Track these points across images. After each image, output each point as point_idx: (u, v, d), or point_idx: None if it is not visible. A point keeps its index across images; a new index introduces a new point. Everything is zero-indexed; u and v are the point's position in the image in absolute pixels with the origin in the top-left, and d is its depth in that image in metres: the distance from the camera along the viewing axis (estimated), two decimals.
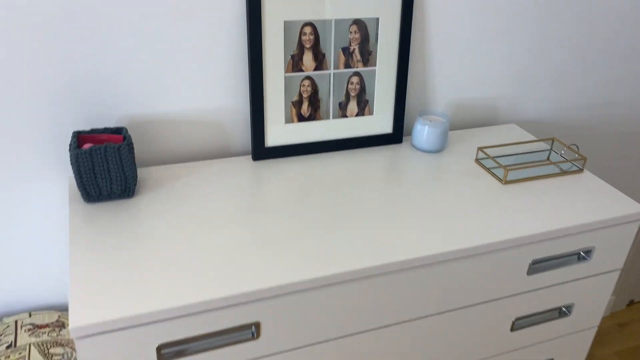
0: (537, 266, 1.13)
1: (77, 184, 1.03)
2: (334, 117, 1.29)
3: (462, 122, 1.50)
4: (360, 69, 1.26)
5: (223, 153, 1.28)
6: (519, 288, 1.14)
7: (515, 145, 1.37)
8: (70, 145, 1.03)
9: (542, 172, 1.27)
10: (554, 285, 1.18)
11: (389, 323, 1.05)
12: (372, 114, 1.32)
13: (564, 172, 1.27)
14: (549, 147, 1.38)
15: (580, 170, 1.29)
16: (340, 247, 0.98)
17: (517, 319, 1.19)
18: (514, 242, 1.05)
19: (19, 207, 1.15)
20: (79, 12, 1.03)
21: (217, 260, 0.94)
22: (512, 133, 1.46)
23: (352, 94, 1.28)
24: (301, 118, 1.26)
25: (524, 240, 1.06)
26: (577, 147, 1.33)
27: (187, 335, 0.89)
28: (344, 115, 1.29)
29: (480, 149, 1.29)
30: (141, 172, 1.17)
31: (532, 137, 1.43)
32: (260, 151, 1.24)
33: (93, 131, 1.08)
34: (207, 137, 1.25)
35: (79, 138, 1.07)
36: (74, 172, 1.02)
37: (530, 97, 1.54)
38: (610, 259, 1.21)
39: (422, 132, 1.31)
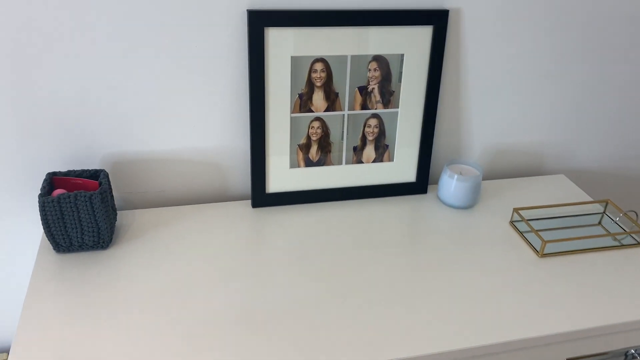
0: None
1: (45, 232, 0.92)
2: (347, 163, 1.13)
3: (501, 171, 1.31)
4: (380, 110, 1.10)
5: (220, 197, 1.15)
6: None
7: (558, 207, 1.17)
8: (42, 189, 0.92)
9: (590, 245, 1.07)
10: None
11: None
12: (392, 160, 1.15)
13: (618, 246, 1.06)
14: (601, 210, 1.17)
15: (638, 245, 1.07)
16: (333, 335, 0.83)
17: None
18: (538, 340, 0.87)
19: None
20: (64, 44, 0.92)
21: (185, 340, 0.80)
22: (559, 187, 1.25)
23: (370, 137, 1.12)
24: (309, 163, 1.11)
25: (553, 338, 0.87)
26: (637, 215, 1.11)
27: None
28: (359, 161, 1.14)
29: (516, 210, 1.11)
30: (126, 216, 1.06)
31: (582, 193, 1.23)
32: (261, 198, 1.11)
33: (69, 173, 0.97)
34: (203, 178, 1.12)
35: (53, 180, 0.97)
36: (42, 220, 0.91)
37: (582, 144, 1.32)
38: None
39: (450, 185, 1.14)
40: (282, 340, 0.81)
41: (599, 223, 1.14)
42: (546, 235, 1.07)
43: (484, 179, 1.30)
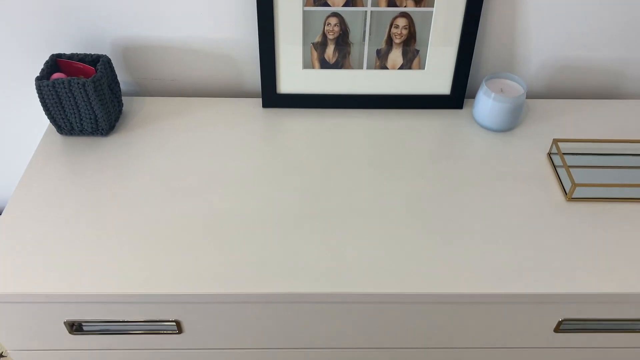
0: (569, 325, 0.83)
1: (46, 114, 0.94)
2: (368, 68, 1.01)
3: (566, 90, 1.11)
4: (411, 8, 0.95)
5: (235, 92, 1.10)
6: (542, 343, 0.87)
7: (611, 143, 0.98)
8: (41, 71, 0.92)
9: (634, 194, 0.89)
10: (597, 347, 0.88)
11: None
12: (423, 67, 1.01)
13: None
14: None
15: None
16: (325, 256, 0.79)
17: None
18: (534, 298, 0.77)
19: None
20: None
21: (168, 241, 0.81)
22: (631, 116, 1.04)
23: (397, 40, 0.98)
24: (325, 64, 1.00)
25: (544, 298, 0.77)
26: None
27: (105, 318, 0.80)
28: (383, 67, 1.01)
29: (556, 142, 0.94)
30: (136, 102, 1.05)
31: None
32: (271, 98, 1.03)
33: (72, 56, 0.96)
34: (216, 71, 1.07)
35: (58, 62, 0.96)
36: (41, 102, 0.92)
37: None
38: None
39: (486, 104, 0.98)
40: (286, 238, 0.79)
41: None
42: (582, 177, 0.91)
43: (540, 97, 1.11)
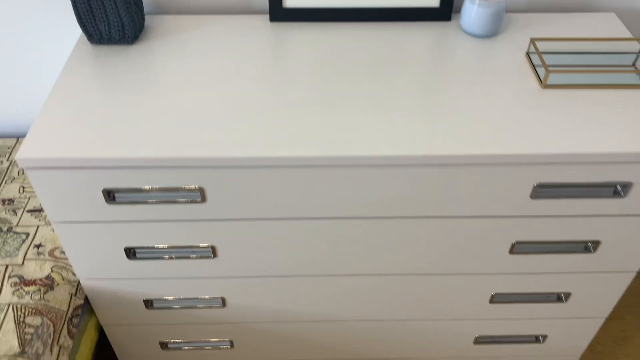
0: (543, 190, 0.95)
1: (78, 23, 1.05)
2: None
3: (543, 4, 1.22)
4: None
5: (244, 9, 1.21)
6: (520, 211, 0.99)
7: (584, 42, 1.09)
8: None
9: (605, 80, 1.01)
10: (573, 216, 1.00)
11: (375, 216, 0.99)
12: None
13: (633, 85, 1.00)
14: (637, 50, 1.08)
15: None
16: (331, 130, 0.91)
17: (518, 242, 1.05)
18: (509, 158, 0.88)
19: (40, 39, 1.23)
20: None
21: (190, 119, 0.93)
22: (603, 25, 1.16)
23: None
24: None
25: (522, 158, 0.88)
26: None
27: (138, 186, 0.92)
28: None
29: (533, 40, 1.06)
30: (156, 19, 1.16)
31: (626, 33, 1.13)
32: (278, 12, 1.15)
33: None
34: None
35: None
36: (73, 10, 1.04)
37: None
38: None
39: (471, 11, 1.10)
40: (295, 116, 0.91)
41: (633, 64, 1.06)
42: (557, 68, 1.03)
43: (522, 11, 1.23)
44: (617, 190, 0.96)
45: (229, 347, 1.29)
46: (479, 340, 1.29)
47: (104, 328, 1.23)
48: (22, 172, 1.30)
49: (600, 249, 1.06)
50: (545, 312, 1.22)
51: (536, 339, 1.30)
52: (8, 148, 1.37)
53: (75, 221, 0.98)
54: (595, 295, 1.17)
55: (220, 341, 1.27)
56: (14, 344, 1.00)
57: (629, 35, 1.13)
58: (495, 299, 1.17)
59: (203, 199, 0.94)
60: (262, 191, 0.93)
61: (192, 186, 0.92)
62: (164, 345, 1.28)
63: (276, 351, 1.31)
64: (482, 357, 1.35)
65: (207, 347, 1.28)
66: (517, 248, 1.06)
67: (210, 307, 1.17)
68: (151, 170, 0.89)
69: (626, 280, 1.14)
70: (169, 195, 0.94)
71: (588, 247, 1.06)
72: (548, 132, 0.91)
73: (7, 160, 1.34)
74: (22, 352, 0.99)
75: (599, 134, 0.91)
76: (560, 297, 1.18)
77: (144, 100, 0.96)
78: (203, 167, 0.89)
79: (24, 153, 0.87)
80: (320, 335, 1.26)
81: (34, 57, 1.26)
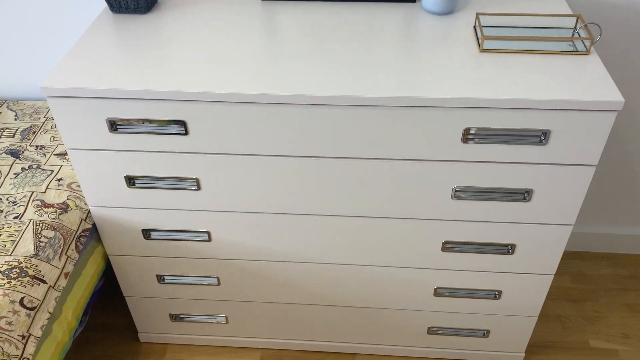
0: (472, 135, 1.10)
1: None
2: None
3: None
4: None
5: None
6: (455, 155, 1.14)
7: (527, 18, 1.25)
8: None
9: (537, 48, 1.16)
10: (503, 162, 1.14)
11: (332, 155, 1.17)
12: None
13: (562, 52, 1.15)
14: (572, 25, 1.23)
15: (586, 53, 1.14)
16: (304, 76, 1.11)
17: (458, 189, 1.19)
18: (442, 102, 1.05)
19: (72, 11, 1.48)
20: None
21: (184, 65, 1.14)
22: (550, 7, 1.31)
23: None
24: None
25: (453, 102, 1.05)
26: (600, 27, 1.16)
27: (135, 117, 1.14)
28: None
29: (478, 15, 1.22)
30: None
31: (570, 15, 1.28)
32: None
33: None
34: None
35: None
36: None
37: None
38: (579, 150, 1.11)
39: None
40: (283, 69, 1.11)
41: (571, 37, 1.21)
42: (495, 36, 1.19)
43: None
44: (541, 138, 1.10)
45: (216, 283, 1.47)
46: (438, 292, 1.43)
47: (110, 258, 1.44)
48: (54, 126, 1.55)
49: (534, 198, 1.20)
50: (496, 266, 1.34)
51: (493, 296, 1.42)
52: (46, 108, 1.62)
53: (85, 148, 1.19)
54: (539, 249, 1.30)
55: (208, 277, 1.45)
56: (30, 248, 1.21)
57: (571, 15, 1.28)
58: (446, 246, 1.31)
59: (186, 132, 1.15)
60: (239, 128, 1.13)
61: (178, 119, 1.13)
62: (160, 279, 1.47)
63: (254, 290, 1.48)
64: (444, 312, 1.48)
65: (196, 283, 1.47)
66: (458, 194, 1.20)
67: (197, 240, 1.36)
68: (145, 103, 1.11)
69: (565, 234, 1.26)
70: (159, 128, 1.14)
71: (525, 196, 1.20)
72: (478, 83, 1.07)
73: (44, 117, 1.59)
74: (36, 255, 1.21)
75: (522, 86, 1.06)
76: (508, 250, 1.31)
77: (148, 52, 1.18)
78: (187, 100, 1.10)
79: (47, 83, 1.10)
80: (291, 277, 1.43)
81: (66, 27, 1.52)
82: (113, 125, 1.15)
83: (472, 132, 1.10)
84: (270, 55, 1.17)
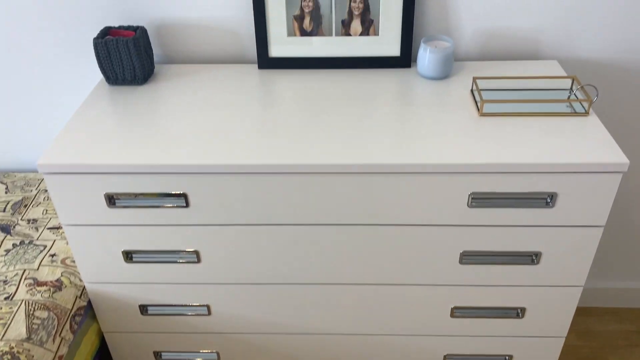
0: (478, 200, 1.09)
1: (99, 66, 1.30)
2: (336, 35, 1.34)
3: (494, 54, 1.41)
4: None
5: (239, 60, 1.44)
6: (462, 220, 1.12)
7: (522, 80, 1.27)
8: (97, 35, 1.29)
9: (535, 110, 1.17)
10: (510, 225, 1.13)
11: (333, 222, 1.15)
12: (378, 34, 1.34)
13: (561, 113, 1.16)
14: (569, 87, 1.25)
15: (585, 114, 1.15)
16: (304, 144, 1.10)
17: (465, 253, 1.17)
18: (447, 167, 1.04)
19: (66, 84, 1.48)
20: None
21: (182, 138, 1.13)
22: (545, 71, 1.33)
23: (356, 12, 1.32)
24: (304, 32, 1.35)
25: (457, 168, 1.04)
26: (596, 89, 1.17)
27: (134, 190, 1.11)
28: (348, 34, 1.34)
29: (475, 79, 1.24)
30: (164, 68, 1.40)
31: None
32: (265, 60, 1.37)
33: (120, 27, 1.33)
34: (224, 43, 1.42)
35: (109, 32, 1.33)
36: (96, 57, 1.28)
37: (582, 32, 1.37)
38: (586, 211, 1.10)
39: (424, 57, 1.30)
40: (280, 140, 1.10)
41: (568, 99, 1.22)
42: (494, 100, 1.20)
43: (474, 59, 1.42)
44: (547, 201, 1.09)
45: (215, 359, 1.40)
46: (447, 359, 1.38)
47: (105, 335, 1.38)
48: (47, 198, 1.51)
49: (543, 261, 1.18)
50: (506, 330, 1.31)
51: None
52: (38, 180, 1.59)
53: (82, 224, 1.16)
54: (549, 311, 1.27)
55: (207, 352, 1.39)
56: (22, 331, 1.15)
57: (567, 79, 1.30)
58: (455, 312, 1.28)
59: (187, 204, 1.12)
60: (240, 199, 1.11)
61: (178, 192, 1.10)
62: (157, 355, 1.41)
63: None
64: None
65: (196, 359, 1.41)
66: (465, 259, 1.18)
67: (197, 314, 1.31)
68: (144, 177, 1.08)
69: (575, 295, 1.23)
70: (159, 200, 1.12)
71: (533, 258, 1.18)
72: (481, 147, 1.07)
73: (36, 189, 1.56)
74: (29, 338, 1.15)
75: (527, 149, 1.06)
76: (518, 313, 1.28)
77: (145, 125, 1.17)
78: (187, 173, 1.07)
79: (44, 160, 1.07)
80: (294, 349, 1.37)
81: (62, 99, 1.51)
82: (111, 200, 1.12)
83: (477, 196, 1.09)
84: (268, 124, 1.16)
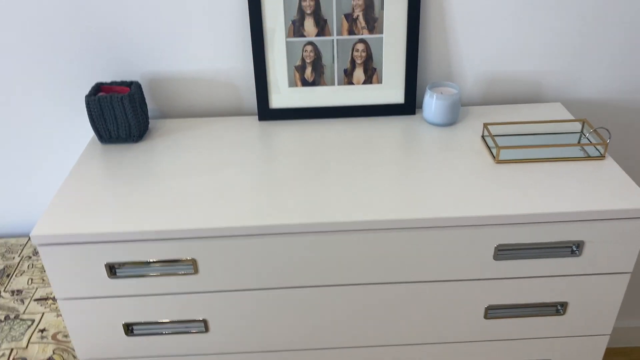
0: (505, 252, 1.04)
1: (91, 125, 1.22)
2: (339, 84, 1.31)
3: (498, 98, 1.40)
4: (366, 35, 1.26)
5: (237, 112, 1.39)
6: (487, 273, 1.07)
7: (532, 125, 1.25)
8: (89, 92, 1.22)
9: (550, 155, 1.15)
10: (536, 277, 1.08)
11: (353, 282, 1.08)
12: (381, 82, 1.31)
13: (577, 158, 1.13)
14: (579, 130, 1.23)
15: (601, 157, 1.13)
16: (311, 201, 1.03)
17: (490, 307, 1.12)
18: (471, 220, 0.99)
19: (53, 143, 1.40)
20: None
21: (183, 200, 1.05)
22: (551, 113, 1.32)
23: (358, 61, 1.29)
24: (305, 83, 1.30)
25: (481, 220, 0.99)
26: (609, 132, 1.16)
27: (139, 259, 1.02)
28: (350, 83, 1.31)
29: (486, 125, 1.21)
30: (160, 123, 1.34)
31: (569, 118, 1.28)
32: (265, 112, 1.32)
33: (112, 83, 1.26)
34: (221, 96, 1.37)
35: (101, 88, 1.26)
36: (88, 115, 1.21)
37: (584, 74, 1.36)
38: (612, 258, 1.06)
39: (430, 104, 1.27)
40: (281, 192, 1.03)
41: (578, 142, 1.21)
42: (507, 145, 1.17)
43: (478, 104, 1.40)
44: (573, 249, 1.05)
45: None
46: None
47: None
48: (31, 265, 1.40)
49: (569, 310, 1.13)
50: None
51: None
52: (20, 245, 1.48)
53: (80, 297, 1.06)
54: None
55: None
56: None
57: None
58: None
59: (195, 270, 1.04)
60: (249, 262, 1.03)
61: (186, 257, 1.02)
62: None
63: None
64: None
65: None
66: (491, 313, 1.12)
67: None
68: (148, 244, 1.00)
69: (601, 344, 1.19)
70: (165, 268, 1.03)
71: (558, 309, 1.13)
72: (503, 197, 1.03)
73: (19, 256, 1.45)
74: None
75: (549, 196, 1.02)
76: None
77: (143, 186, 1.09)
78: (194, 237, 1.00)
79: (38, 231, 0.98)
80: None
81: (50, 159, 1.42)
82: (112, 270, 1.03)
83: (504, 248, 1.04)
84: (272, 181, 1.10)
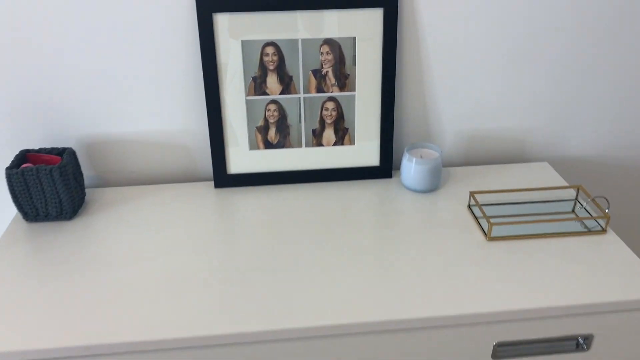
0: (505, 349, 0.90)
1: (14, 202, 1.03)
2: (307, 146, 1.16)
3: (478, 158, 1.27)
4: (336, 93, 1.12)
5: (189, 177, 1.22)
6: None
7: (522, 192, 1.13)
8: (10, 163, 1.03)
9: (547, 229, 1.02)
10: None
11: None
12: (354, 143, 1.16)
13: (577, 233, 1.01)
14: (573, 197, 1.12)
15: (602, 231, 1.02)
16: (275, 301, 0.86)
17: None
18: (463, 319, 0.85)
19: None
20: (30, 38, 1.03)
21: (127, 299, 0.87)
22: (538, 175, 1.20)
23: (328, 120, 1.14)
24: (268, 145, 1.15)
25: (478, 318, 0.85)
26: (608, 201, 1.05)
27: None
28: (320, 144, 1.16)
29: (472, 194, 1.08)
30: (98, 193, 1.15)
31: (562, 182, 1.17)
32: (222, 178, 1.16)
33: (40, 150, 1.07)
34: (170, 160, 1.19)
35: (27, 156, 1.07)
36: (9, 190, 1.01)
37: (571, 130, 1.26)
38: (621, 352, 0.94)
39: (409, 168, 1.13)
40: (238, 286, 0.86)
41: (572, 211, 1.09)
42: (499, 220, 1.04)
43: (458, 165, 1.27)
44: (579, 343, 0.92)
45: None
46: None
47: None
48: None
49: None
50: None
51: None
52: None
53: None
54: None
55: None
56: None
57: (563, 182, 1.17)
58: None
59: None
60: None
61: None
62: None
63: None
64: None
65: None
66: None
67: None
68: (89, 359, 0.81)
69: None
70: None
71: None
72: (501, 288, 0.89)
73: None
74: None
75: (552, 286, 0.89)
76: None
77: (74, 280, 0.90)
78: (133, 352, 0.82)
79: None
80: None
81: None
82: None
83: (504, 345, 0.90)
84: (229, 272, 0.92)
